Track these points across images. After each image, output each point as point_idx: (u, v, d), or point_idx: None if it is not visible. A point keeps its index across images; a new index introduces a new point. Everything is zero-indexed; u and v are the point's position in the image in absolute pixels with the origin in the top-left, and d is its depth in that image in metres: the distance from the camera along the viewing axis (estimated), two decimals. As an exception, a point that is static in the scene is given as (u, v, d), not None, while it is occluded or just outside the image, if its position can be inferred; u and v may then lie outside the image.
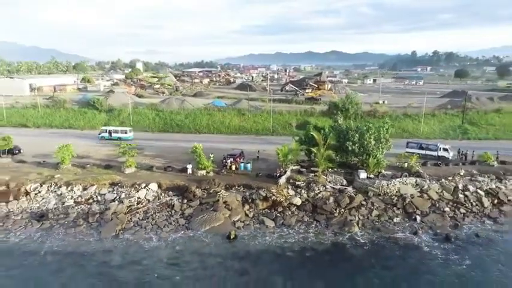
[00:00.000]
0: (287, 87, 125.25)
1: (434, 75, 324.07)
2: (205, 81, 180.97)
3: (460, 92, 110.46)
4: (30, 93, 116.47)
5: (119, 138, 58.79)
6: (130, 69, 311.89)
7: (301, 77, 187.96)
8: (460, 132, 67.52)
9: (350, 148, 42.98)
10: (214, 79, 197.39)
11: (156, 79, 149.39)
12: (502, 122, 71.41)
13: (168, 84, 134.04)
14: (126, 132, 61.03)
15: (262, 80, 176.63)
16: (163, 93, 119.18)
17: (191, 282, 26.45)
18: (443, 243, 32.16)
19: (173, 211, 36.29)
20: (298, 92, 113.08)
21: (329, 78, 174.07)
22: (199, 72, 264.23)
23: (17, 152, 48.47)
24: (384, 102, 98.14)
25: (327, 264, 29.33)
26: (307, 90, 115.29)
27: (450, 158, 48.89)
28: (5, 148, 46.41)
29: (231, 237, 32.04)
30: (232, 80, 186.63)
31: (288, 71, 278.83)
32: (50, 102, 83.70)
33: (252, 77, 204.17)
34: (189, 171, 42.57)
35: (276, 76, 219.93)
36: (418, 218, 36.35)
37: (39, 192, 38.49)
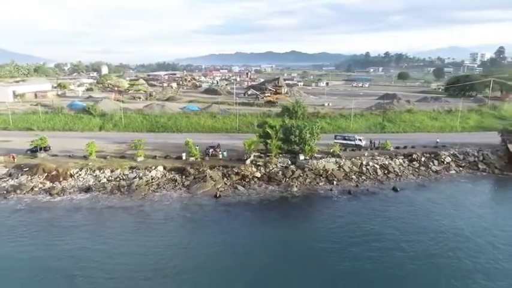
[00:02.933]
0: (249, 92, 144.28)
1: (383, 76, 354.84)
2: (174, 85, 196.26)
3: (390, 95, 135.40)
4: (14, 100, 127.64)
5: None
6: (95, 73, 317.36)
7: (261, 79, 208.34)
8: (379, 127, 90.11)
9: (293, 140, 62.58)
10: (181, 83, 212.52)
11: (129, 85, 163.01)
12: (411, 119, 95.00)
13: (144, 91, 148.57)
14: None
15: (226, 84, 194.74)
16: (139, 98, 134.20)
17: (197, 218, 45.08)
18: (346, 195, 52.86)
19: (176, 183, 54.54)
20: (258, 96, 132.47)
21: (286, 82, 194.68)
22: (164, 75, 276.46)
23: (48, 148, 64.02)
24: (328, 104, 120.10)
25: (275, 206, 49.04)
26: (266, 94, 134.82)
27: (363, 145, 70.37)
28: (42, 146, 61.94)
29: (217, 196, 50.90)
30: (198, 84, 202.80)
31: (249, 74, 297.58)
32: (49, 109, 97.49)
33: (217, 81, 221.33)
34: (184, 158, 60.77)
35: (238, 79, 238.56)
36: (335, 182, 56.94)
37: (80, 174, 55.20)
